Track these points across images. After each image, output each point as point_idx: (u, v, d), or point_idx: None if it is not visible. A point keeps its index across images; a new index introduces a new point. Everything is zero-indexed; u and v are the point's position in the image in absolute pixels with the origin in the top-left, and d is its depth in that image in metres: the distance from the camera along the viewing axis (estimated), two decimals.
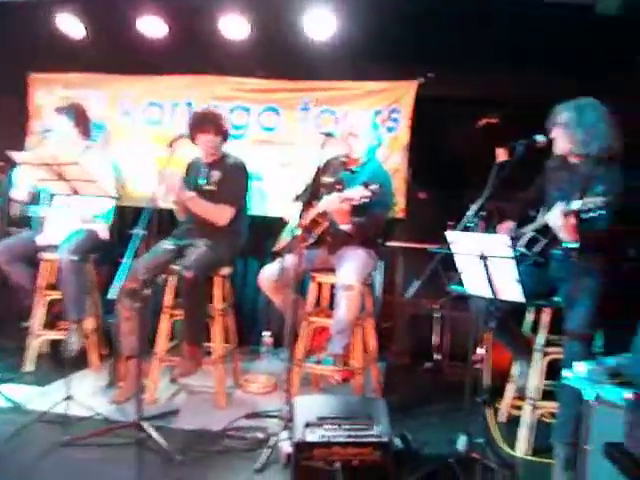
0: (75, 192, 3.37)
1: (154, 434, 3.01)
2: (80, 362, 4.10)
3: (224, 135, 3.92)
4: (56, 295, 4.06)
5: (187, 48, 4.55)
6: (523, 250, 3.17)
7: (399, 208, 4.57)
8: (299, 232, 3.31)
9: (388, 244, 4.55)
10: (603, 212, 2.66)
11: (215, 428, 3.27)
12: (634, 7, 3.66)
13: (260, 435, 3.20)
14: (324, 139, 3.32)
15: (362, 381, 3.62)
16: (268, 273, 3.74)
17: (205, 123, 3.81)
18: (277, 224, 4.35)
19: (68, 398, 3.25)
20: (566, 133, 3.03)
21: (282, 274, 3.22)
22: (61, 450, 2.96)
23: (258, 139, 4.75)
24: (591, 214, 2.67)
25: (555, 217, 2.81)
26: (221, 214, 3.79)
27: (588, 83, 3.86)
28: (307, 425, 2.72)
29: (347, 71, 4.61)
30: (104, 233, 4.22)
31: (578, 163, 3.09)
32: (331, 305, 3.81)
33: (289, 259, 3.32)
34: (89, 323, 4.13)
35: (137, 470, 2.88)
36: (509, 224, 3.37)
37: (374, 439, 2.71)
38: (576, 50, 3.98)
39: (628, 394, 2.26)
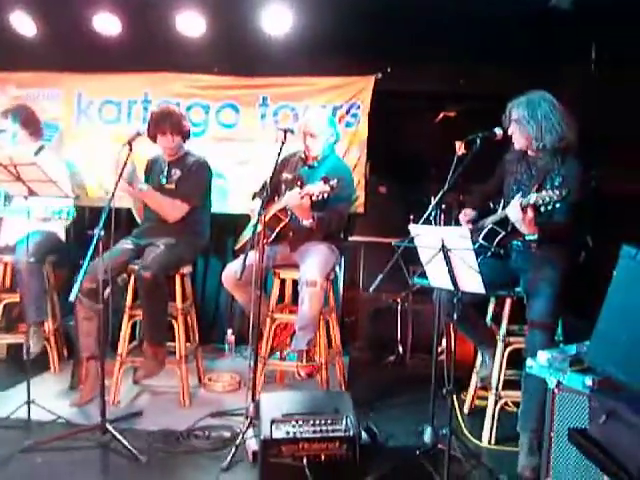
0: (32, 193, 3.31)
1: (118, 436, 2.98)
2: (40, 365, 4.04)
3: (184, 134, 3.87)
4: (14, 298, 3.98)
5: (143, 45, 4.48)
6: (482, 242, 3.21)
7: (359, 203, 4.59)
8: (260, 229, 3.30)
9: (349, 238, 4.57)
10: (560, 205, 2.71)
11: (180, 428, 3.25)
12: (586, 1, 3.72)
13: (226, 434, 3.20)
14: (283, 135, 3.31)
15: (327, 376, 3.63)
16: (231, 271, 3.72)
17: (163, 123, 3.76)
18: (238, 221, 4.35)
19: (29, 402, 3.19)
20: (520, 129, 3.08)
21: (244, 271, 3.20)
22: (23, 456, 2.90)
23: (217, 136, 4.72)
24: (549, 207, 2.72)
25: (514, 210, 2.85)
26: (173, 210, 3.75)
27: (543, 76, 3.94)
28: (273, 422, 2.72)
29: (305, 67, 4.61)
30: (62, 234, 4.16)
31: (535, 156, 3.15)
32: (294, 301, 3.83)
33: (251, 256, 3.31)
34: (49, 325, 4.07)
35: (102, 473, 2.87)
36: (469, 211, 3.40)
37: (340, 433, 2.72)
38: (531, 43, 4.04)
39: (589, 380, 2.31)
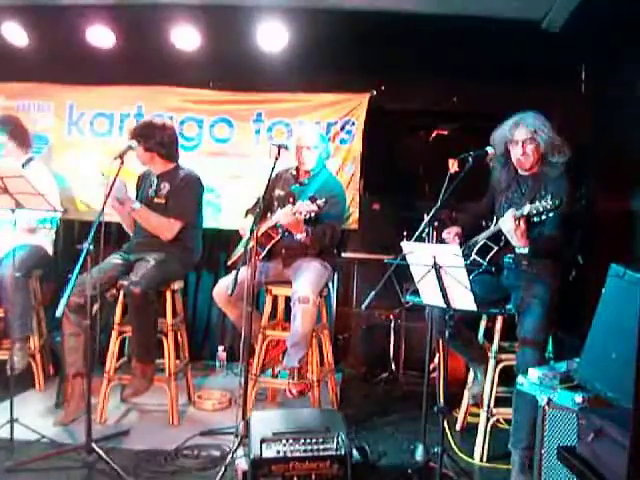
0: (19, 205, 3.25)
1: (104, 456, 2.90)
2: (25, 383, 3.97)
3: (158, 149, 3.76)
4: None
5: (137, 58, 4.47)
6: (476, 258, 3.23)
7: (353, 219, 4.58)
8: (252, 245, 3.27)
9: (342, 255, 4.55)
10: (552, 215, 2.75)
11: (168, 447, 3.20)
12: (577, 24, 3.78)
13: (215, 453, 3.17)
14: (277, 151, 3.29)
15: (319, 394, 3.61)
16: (222, 287, 3.70)
17: (135, 137, 3.68)
18: (231, 237, 4.32)
19: (12, 421, 3.11)
20: (535, 146, 3.09)
21: (236, 287, 3.16)
22: (6, 476, 2.83)
23: (211, 151, 4.69)
24: (542, 217, 2.76)
25: (507, 222, 2.88)
26: (166, 228, 3.71)
27: (534, 95, 4.00)
28: (263, 441, 2.68)
29: (300, 83, 4.63)
30: (49, 248, 4.10)
31: (526, 175, 3.20)
32: (287, 318, 3.79)
33: (243, 272, 3.28)
34: (34, 341, 4.00)
35: None
36: (456, 229, 3.41)
37: (332, 452, 2.70)
38: (523, 63, 4.10)
39: (579, 398, 2.34)
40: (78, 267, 2.86)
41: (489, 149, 3.15)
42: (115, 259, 3.73)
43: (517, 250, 2.99)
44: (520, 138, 3.10)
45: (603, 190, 3.85)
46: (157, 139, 3.74)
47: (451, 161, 3.46)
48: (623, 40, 3.68)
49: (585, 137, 4.11)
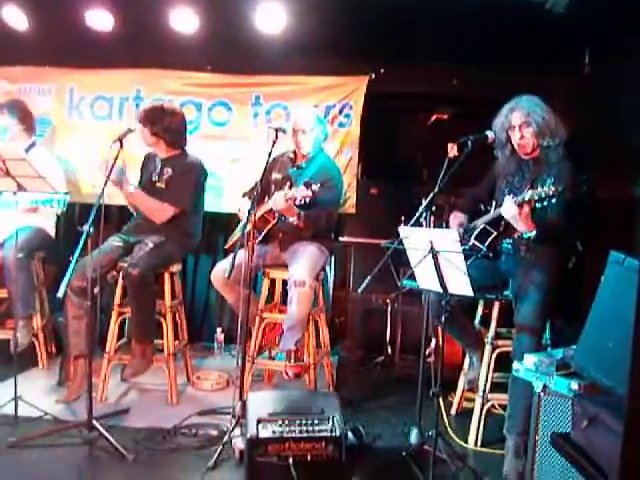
0: (21, 188, 3.30)
1: (105, 433, 2.97)
2: (28, 361, 4.03)
3: (165, 134, 3.81)
4: (2, 293, 3.97)
5: (136, 41, 4.45)
6: (475, 243, 3.21)
7: (350, 203, 4.59)
8: (250, 228, 3.30)
9: (340, 239, 4.58)
10: (555, 201, 2.72)
11: (167, 426, 3.25)
12: (582, 4, 3.69)
13: (213, 432, 3.21)
14: (274, 134, 3.31)
15: (314, 376, 3.65)
16: (219, 270, 3.74)
17: (143, 120, 3.76)
18: (229, 220, 4.35)
19: (16, 398, 3.19)
20: (531, 130, 3.07)
21: (233, 270, 3.20)
22: (9, 451, 2.90)
23: (209, 134, 4.70)
24: (544, 203, 2.73)
25: (509, 207, 2.86)
26: (160, 213, 3.73)
27: (536, 78, 3.95)
28: (259, 421, 2.72)
29: (298, 66, 4.60)
30: (51, 230, 4.15)
31: (528, 159, 3.17)
32: (284, 301, 3.83)
33: (240, 255, 3.31)
34: (37, 321, 4.06)
35: (88, 470, 2.86)
36: (460, 214, 3.41)
37: (327, 434, 2.72)
38: (525, 46, 4.02)
39: (575, 385, 2.32)
40: (79, 250, 2.91)
41: (489, 133, 3.12)
42: (115, 241, 3.76)
43: (524, 235, 2.95)
44: (516, 123, 3.09)
45: (605, 176, 3.71)
46: (164, 124, 3.77)
47: (450, 145, 3.38)
48: (628, 22, 3.56)
49: (587, 122, 4.04)
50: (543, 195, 2.71)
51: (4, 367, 3.77)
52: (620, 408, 1.84)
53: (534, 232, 2.88)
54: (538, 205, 2.77)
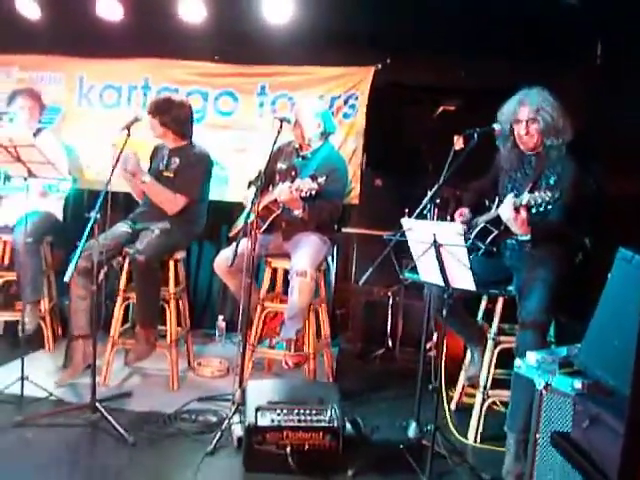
0: (31, 174, 3.36)
1: (107, 416, 3.04)
2: (35, 343, 4.10)
3: (172, 125, 3.87)
4: (11, 276, 4.04)
5: (145, 31, 4.48)
6: (475, 241, 3.16)
7: (354, 194, 4.60)
8: (253, 217, 3.34)
9: (342, 230, 4.58)
10: (553, 207, 2.71)
11: (168, 410, 3.30)
12: None
13: (212, 418, 3.25)
14: (279, 124, 3.34)
15: (314, 366, 3.68)
16: (222, 257, 3.79)
17: (152, 110, 3.82)
18: (234, 209, 4.38)
19: (22, 379, 3.26)
20: (536, 127, 3.04)
21: (236, 258, 3.24)
22: (14, 430, 2.97)
23: (215, 124, 4.72)
24: (541, 209, 2.72)
25: (506, 210, 2.85)
26: (172, 203, 3.78)
27: (546, 70, 3.84)
28: (258, 409, 2.77)
29: (304, 56, 4.59)
30: (59, 215, 4.21)
31: (531, 155, 3.15)
32: (285, 290, 3.86)
33: (243, 244, 3.35)
34: (45, 304, 4.13)
35: (90, 451, 2.93)
36: (464, 210, 3.38)
37: (325, 424, 2.77)
38: (534, 37, 3.97)
39: (578, 384, 2.27)
40: (86, 235, 2.98)
41: (496, 126, 3.09)
42: (122, 227, 3.82)
43: (519, 237, 2.96)
44: (524, 117, 3.03)
45: (615, 171, 3.68)
46: (173, 115, 3.83)
47: (456, 137, 3.28)
48: None
49: (597, 113, 3.94)
50: (539, 201, 2.70)
51: (12, 348, 3.85)
52: (621, 408, 1.83)
53: (529, 236, 2.88)
54: (533, 210, 2.76)
